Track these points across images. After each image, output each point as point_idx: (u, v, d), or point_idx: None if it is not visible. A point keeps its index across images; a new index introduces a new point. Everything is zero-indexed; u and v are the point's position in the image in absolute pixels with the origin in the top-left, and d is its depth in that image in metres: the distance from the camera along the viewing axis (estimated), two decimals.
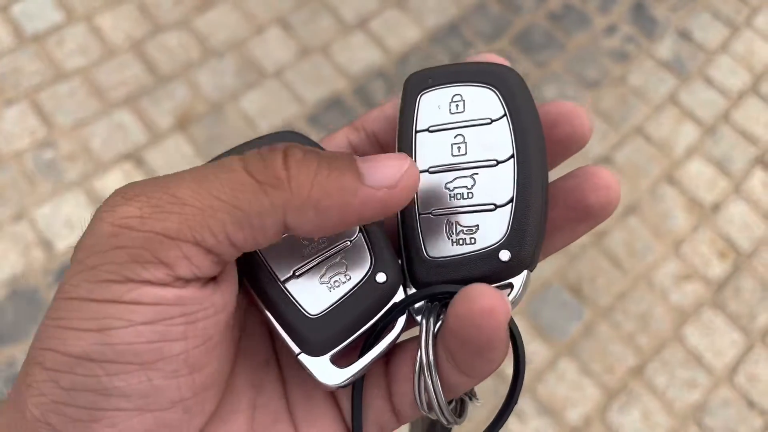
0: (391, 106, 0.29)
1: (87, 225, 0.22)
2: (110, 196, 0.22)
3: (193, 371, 0.22)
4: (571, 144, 0.26)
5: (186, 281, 0.21)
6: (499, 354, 0.22)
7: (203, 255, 0.21)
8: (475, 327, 0.21)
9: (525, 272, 0.25)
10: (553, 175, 0.27)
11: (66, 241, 1.07)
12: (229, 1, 1.32)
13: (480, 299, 0.21)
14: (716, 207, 1.21)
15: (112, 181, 1.12)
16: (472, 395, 0.26)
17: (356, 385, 0.25)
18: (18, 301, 1.02)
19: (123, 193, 0.22)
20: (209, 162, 0.24)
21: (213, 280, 0.23)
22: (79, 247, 0.22)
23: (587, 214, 0.25)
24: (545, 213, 0.25)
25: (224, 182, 0.22)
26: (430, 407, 0.24)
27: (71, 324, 0.20)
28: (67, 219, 1.09)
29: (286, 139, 0.28)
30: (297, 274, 0.25)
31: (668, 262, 1.15)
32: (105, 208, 0.22)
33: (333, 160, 0.23)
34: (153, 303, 0.21)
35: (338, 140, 0.29)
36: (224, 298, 0.23)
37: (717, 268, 1.16)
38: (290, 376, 0.27)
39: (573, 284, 1.12)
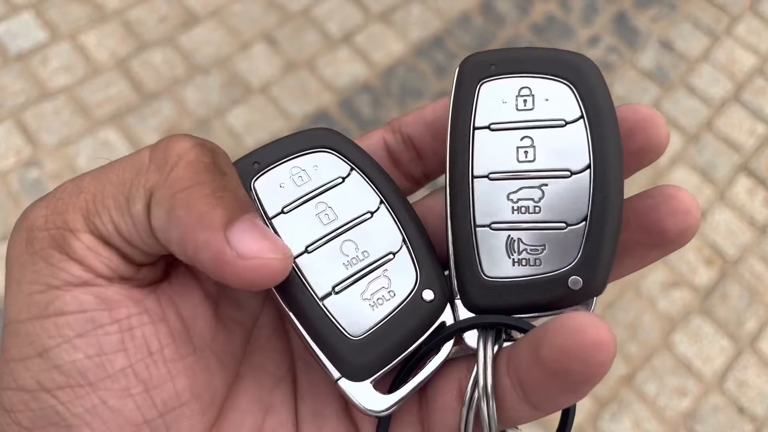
0: (431, 111, 0.26)
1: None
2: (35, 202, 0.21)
3: (149, 388, 0.20)
4: (646, 155, 0.23)
5: (108, 279, 0.20)
6: (590, 388, 0.20)
7: (103, 247, 0.20)
8: (582, 361, 0.19)
9: (594, 299, 0.22)
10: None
11: None
12: (214, 18, 1.32)
13: (591, 332, 0.19)
14: (702, 215, 1.22)
15: None
16: (515, 426, 0.24)
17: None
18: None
19: (40, 197, 0.20)
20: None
21: (150, 284, 0.21)
22: (6, 266, 0.20)
23: (662, 240, 0.22)
24: (619, 233, 0.22)
25: (123, 165, 0.20)
26: None
27: (15, 355, 0.19)
28: None
29: (322, 141, 0.25)
30: (337, 290, 0.23)
31: (655, 270, 1.16)
32: (23, 213, 0.20)
33: (228, 193, 0.20)
34: (78, 311, 0.19)
35: (374, 140, 0.27)
36: (165, 304, 0.21)
37: (704, 275, 1.17)
38: (304, 391, 0.25)
39: None
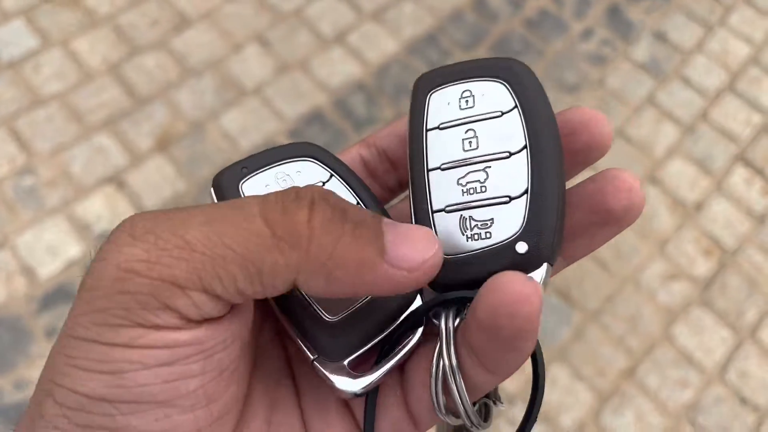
0: (401, 124, 0.29)
1: (91, 261, 0.21)
2: (115, 232, 0.21)
3: (210, 402, 0.21)
4: (591, 153, 0.25)
5: (198, 323, 0.21)
6: (530, 344, 0.21)
7: (213, 302, 0.20)
8: (508, 316, 0.20)
9: (545, 265, 0.24)
10: (574, 182, 0.26)
11: (49, 268, 1.06)
12: (205, 21, 1.32)
13: (511, 286, 0.20)
14: (699, 206, 1.22)
15: (93, 206, 1.11)
16: (496, 399, 0.25)
17: (369, 394, 0.24)
18: (0, 330, 1.01)
19: (130, 230, 0.20)
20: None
21: (222, 316, 0.22)
22: (83, 286, 0.20)
23: (609, 218, 0.24)
24: (563, 203, 0.24)
25: (238, 230, 0.20)
26: (454, 412, 0.23)
27: (82, 364, 0.20)
28: (49, 246, 1.07)
29: (305, 151, 0.27)
30: None
31: (654, 263, 1.16)
32: (109, 247, 0.20)
33: (359, 226, 0.21)
34: (168, 346, 0.20)
35: (352, 155, 0.29)
36: (239, 325, 0.22)
37: (703, 267, 1.16)
38: (304, 389, 0.26)
39: (561, 289, 1.12)
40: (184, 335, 0.20)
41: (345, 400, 0.26)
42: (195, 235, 0.20)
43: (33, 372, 0.99)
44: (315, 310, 0.24)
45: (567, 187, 0.25)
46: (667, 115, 1.31)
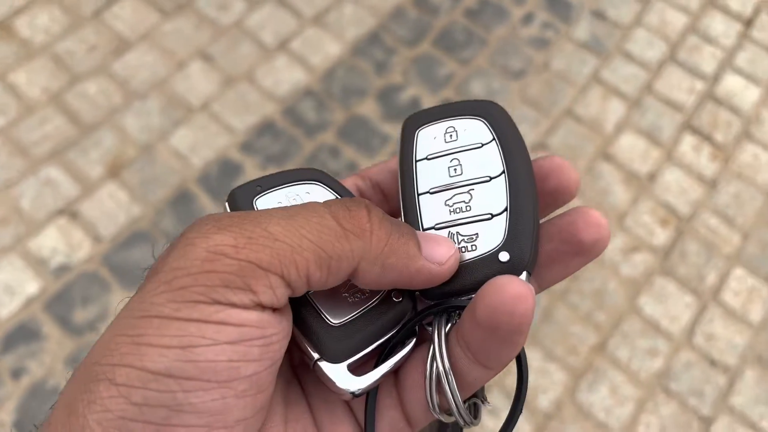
0: (392, 161, 0.32)
1: (172, 249, 0.23)
2: (200, 223, 0.24)
3: (259, 392, 0.23)
4: (560, 195, 0.29)
5: (263, 308, 0.23)
6: (524, 338, 0.24)
7: (284, 287, 0.23)
8: (507, 313, 0.23)
9: (524, 273, 0.27)
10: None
11: (8, 308, 1.03)
12: (145, 41, 1.30)
13: (509, 287, 0.23)
14: (652, 177, 1.24)
15: (47, 240, 1.09)
16: (483, 398, 0.28)
17: (370, 395, 0.27)
18: None
19: (216, 222, 0.24)
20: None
21: (279, 309, 0.24)
22: (163, 268, 0.23)
23: (580, 249, 0.27)
24: (537, 219, 0.28)
25: (312, 224, 0.24)
26: (446, 410, 0.26)
27: (152, 341, 0.21)
28: (5, 285, 1.05)
29: (313, 176, 0.31)
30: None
31: (614, 237, 1.17)
32: (196, 234, 0.23)
33: (400, 227, 0.26)
34: (238, 324, 0.22)
35: (348, 185, 0.32)
36: (287, 324, 0.25)
37: (661, 236, 1.19)
38: (310, 391, 0.28)
39: None
40: (252, 315, 0.22)
41: (348, 402, 0.28)
42: (276, 228, 0.23)
43: (1, 415, 0.97)
44: (321, 314, 0.27)
45: (542, 221, 0.29)
46: (613, 91, 1.33)
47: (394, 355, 0.27)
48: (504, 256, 0.26)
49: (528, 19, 1.40)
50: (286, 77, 1.29)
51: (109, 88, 1.24)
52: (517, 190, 0.28)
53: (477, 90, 1.30)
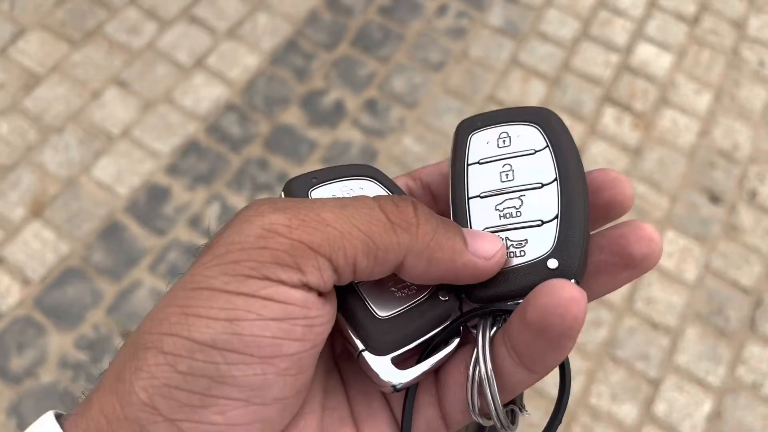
0: (444, 164, 0.32)
1: (228, 225, 0.24)
2: (257, 204, 0.25)
3: (299, 372, 0.24)
4: (612, 209, 0.29)
5: (309, 289, 0.24)
6: (572, 343, 0.24)
7: (331, 271, 0.24)
8: (559, 315, 0.23)
9: (573, 281, 0.26)
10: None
11: None
12: (55, 74, 1.26)
13: (562, 291, 0.23)
14: (580, 151, 1.27)
15: None
16: (522, 407, 0.28)
17: (409, 390, 0.27)
18: None
19: (272, 203, 0.25)
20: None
21: (324, 294, 0.25)
22: (218, 242, 0.24)
23: (630, 263, 0.27)
24: (588, 229, 0.28)
25: (362, 215, 0.25)
26: (486, 414, 0.26)
27: (201, 312, 0.22)
28: None
29: (367, 172, 0.32)
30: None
31: None
32: (253, 212, 0.24)
33: (446, 223, 0.26)
34: (283, 301, 0.23)
35: (399, 184, 0.32)
36: (331, 311, 0.25)
37: None
38: (350, 381, 0.29)
39: None
40: (298, 294, 0.23)
41: (386, 397, 0.28)
42: (328, 214, 0.24)
43: None
44: (368, 306, 0.27)
45: (593, 232, 0.28)
46: (533, 73, 1.35)
47: (438, 353, 0.27)
48: (553, 263, 0.26)
49: (442, 10, 1.41)
50: (205, 94, 1.27)
51: (22, 126, 1.20)
52: (569, 199, 0.28)
53: (400, 86, 1.30)
